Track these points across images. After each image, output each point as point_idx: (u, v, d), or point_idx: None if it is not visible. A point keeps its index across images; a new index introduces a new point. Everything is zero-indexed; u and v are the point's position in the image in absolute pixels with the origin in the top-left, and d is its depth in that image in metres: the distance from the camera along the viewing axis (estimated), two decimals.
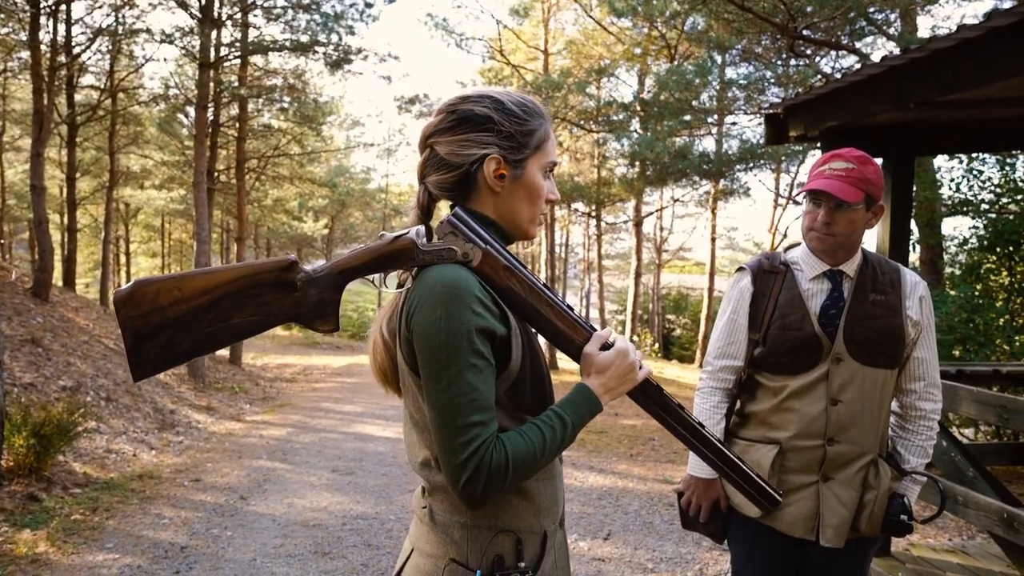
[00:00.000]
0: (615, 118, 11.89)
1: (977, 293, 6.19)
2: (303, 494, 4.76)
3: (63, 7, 10.15)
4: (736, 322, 1.73)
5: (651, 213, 19.90)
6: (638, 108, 11.45)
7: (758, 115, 10.96)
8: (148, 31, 10.23)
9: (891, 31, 8.50)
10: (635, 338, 15.27)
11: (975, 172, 6.82)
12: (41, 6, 9.08)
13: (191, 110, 12.33)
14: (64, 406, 5.02)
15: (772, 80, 10.25)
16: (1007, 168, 6.78)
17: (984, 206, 6.86)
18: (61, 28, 10.38)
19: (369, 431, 7.27)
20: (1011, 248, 6.12)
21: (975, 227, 6.76)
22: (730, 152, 11.26)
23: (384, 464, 5.74)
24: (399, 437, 6.68)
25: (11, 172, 17.69)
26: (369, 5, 10.89)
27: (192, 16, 9.80)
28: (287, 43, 10.89)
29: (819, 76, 8.49)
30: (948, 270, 7.71)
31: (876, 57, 2.62)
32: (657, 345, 18.54)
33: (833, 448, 1.61)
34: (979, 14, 2.64)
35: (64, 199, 13.25)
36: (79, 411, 4.92)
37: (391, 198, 27.57)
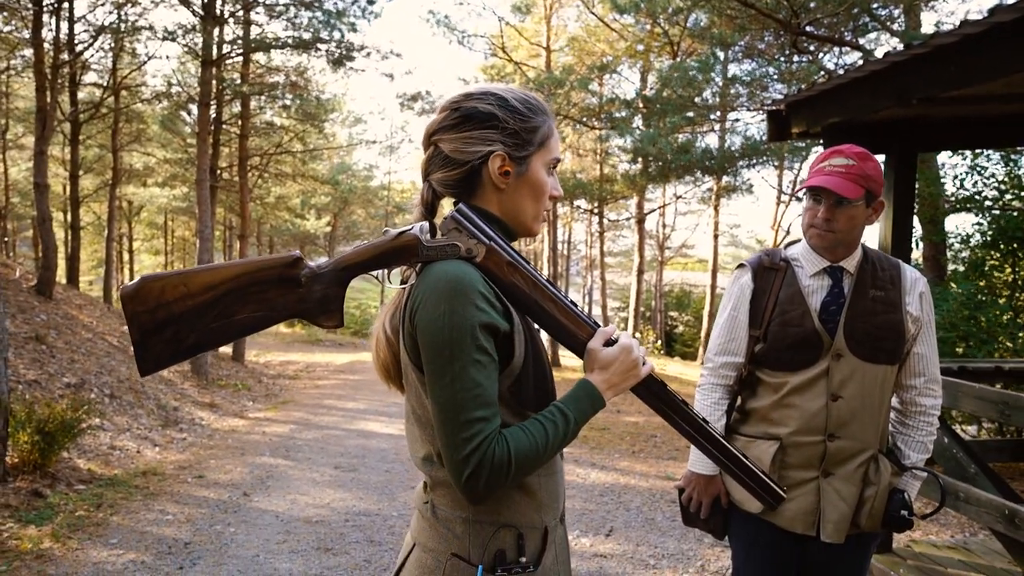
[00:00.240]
0: (618, 115, 11.88)
1: (981, 290, 6.17)
2: (306, 490, 4.78)
3: (65, 5, 10.18)
4: (737, 319, 1.73)
5: (653, 210, 19.88)
6: (641, 105, 11.43)
7: (761, 111, 10.93)
8: (151, 28, 10.23)
9: (895, 27, 8.46)
10: (638, 335, 15.28)
11: (979, 169, 6.80)
12: (44, 4, 9.09)
13: (194, 107, 12.35)
14: (68, 403, 5.04)
15: (775, 76, 10.23)
16: (1011, 164, 6.76)
17: (988, 203, 6.84)
18: (64, 26, 10.40)
19: (372, 428, 7.29)
20: (1015, 245, 6.10)
21: (979, 224, 6.74)
22: (733, 148, 11.23)
23: (387, 461, 5.76)
24: (401, 434, 6.70)
25: (15, 170, 17.73)
26: (371, 2, 10.90)
27: (194, 13, 9.81)
28: (289, 40, 10.90)
29: (822, 73, 8.47)
30: (952, 267, 7.68)
31: (879, 53, 2.61)
32: (660, 342, 18.54)
33: (833, 444, 1.62)
34: (983, 9, 2.64)
35: (67, 197, 13.26)
36: (83, 408, 4.94)
37: (394, 195, 27.57)
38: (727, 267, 24.17)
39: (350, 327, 21.21)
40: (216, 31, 10.28)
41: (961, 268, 6.91)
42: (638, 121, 11.68)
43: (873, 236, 3.32)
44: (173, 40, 9.97)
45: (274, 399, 9.16)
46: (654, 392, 1.05)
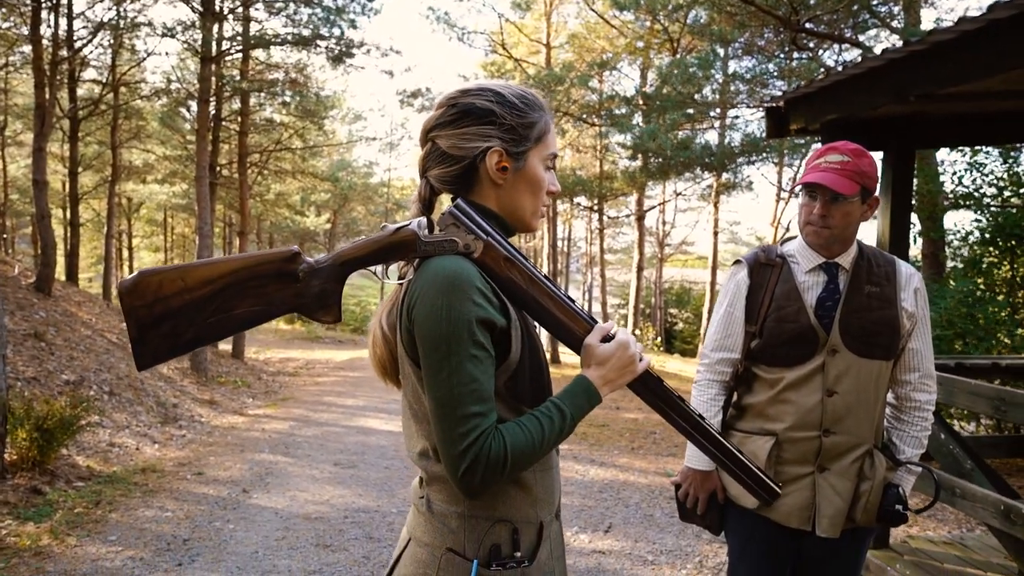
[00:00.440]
0: (618, 112, 11.87)
1: (980, 287, 6.16)
2: (305, 487, 4.79)
3: (64, 1, 10.15)
4: (733, 315, 1.74)
5: (653, 207, 19.88)
6: (641, 102, 11.42)
7: (761, 108, 10.92)
8: (150, 25, 10.23)
9: (894, 24, 8.45)
10: (637, 332, 15.28)
11: (978, 165, 6.79)
12: (42, 0, 9.07)
13: (193, 104, 12.33)
14: (67, 400, 5.05)
15: (775, 73, 10.23)
16: (1010, 161, 6.75)
17: (987, 200, 6.83)
18: (63, 22, 10.38)
19: (371, 425, 7.30)
20: (1013, 242, 6.10)
21: (977, 220, 6.73)
22: (732, 145, 11.22)
23: (386, 457, 5.77)
24: (401, 431, 6.70)
25: (14, 167, 17.71)
26: None
27: (194, 10, 9.79)
28: (289, 37, 10.88)
29: (822, 70, 8.46)
30: (951, 264, 7.68)
31: (878, 51, 2.60)
32: (659, 339, 18.55)
33: (829, 439, 1.62)
34: (983, 6, 2.63)
35: (67, 194, 13.25)
36: (82, 405, 4.95)
37: (393, 192, 27.55)
38: (727, 264, 24.18)
39: (350, 324, 21.22)
40: (215, 27, 10.27)
41: (960, 265, 6.91)
42: (638, 118, 11.67)
43: (871, 233, 3.32)
44: (172, 36, 9.96)
45: (274, 396, 9.17)
46: (651, 388, 1.06)
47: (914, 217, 7.44)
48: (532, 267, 1.01)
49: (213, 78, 10.30)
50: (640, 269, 15.32)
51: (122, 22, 10.58)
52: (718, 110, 12.73)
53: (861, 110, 2.87)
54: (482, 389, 0.91)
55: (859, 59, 2.82)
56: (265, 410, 8.03)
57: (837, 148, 1.60)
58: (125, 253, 23.62)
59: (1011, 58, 2.14)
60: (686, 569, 3.52)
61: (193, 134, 12.11)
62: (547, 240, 16.23)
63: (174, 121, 13.75)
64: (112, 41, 11.65)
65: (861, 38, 9.21)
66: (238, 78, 11.50)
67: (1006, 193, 6.75)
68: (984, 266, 6.31)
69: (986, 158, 6.88)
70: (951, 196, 7.15)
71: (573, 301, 1.03)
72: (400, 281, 1.04)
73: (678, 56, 11.89)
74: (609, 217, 21.05)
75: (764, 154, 11.10)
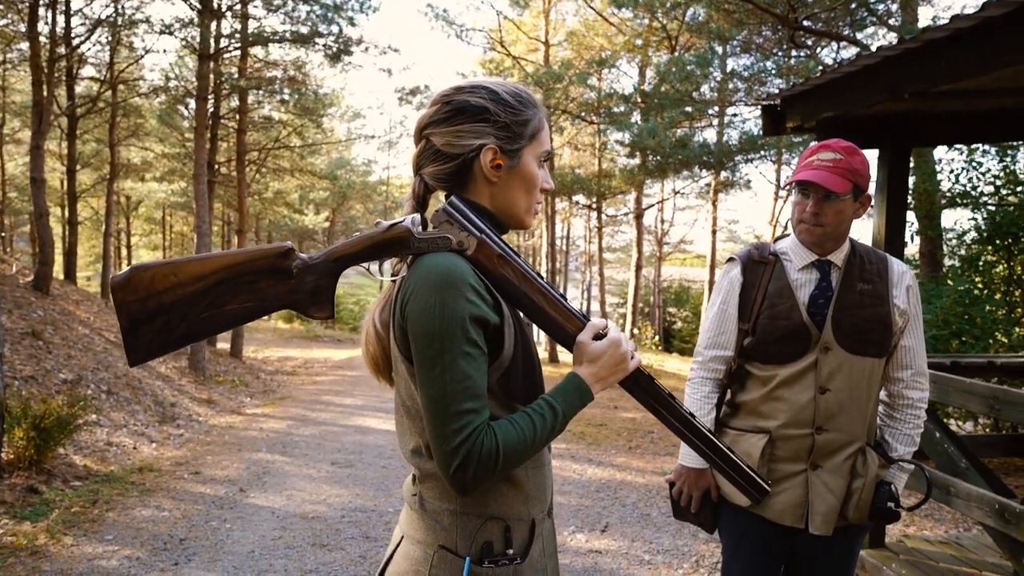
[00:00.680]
0: (616, 110, 11.87)
1: (978, 285, 6.16)
2: (302, 486, 4.79)
3: None
4: (726, 312, 1.74)
5: (652, 205, 19.87)
6: (639, 100, 11.41)
7: (759, 106, 10.92)
8: (148, 22, 10.20)
9: (892, 22, 8.45)
10: (636, 331, 15.29)
11: (975, 164, 6.79)
12: None
13: (191, 102, 12.31)
14: (64, 399, 5.04)
15: (773, 71, 10.22)
16: (1007, 159, 6.75)
17: (984, 198, 6.83)
18: (60, 19, 10.36)
19: (369, 424, 7.30)
20: (1010, 240, 6.10)
21: (974, 219, 6.74)
22: (730, 143, 11.22)
23: (383, 457, 5.77)
24: None
25: (11, 165, 17.69)
26: None
27: (192, 7, 9.78)
28: (287, 34, 10.86)
29: (820, 67, 8.44)
30: (948, 262, 7.68)
31: (875, 48, 2.61)
32: (658, 338, 18.55)
33: (821, 436, 1.62)
34: (979, 4, 2.62)
35: (65, 192, 13.25)
36: (79, 404, 4.95)
37: (392, 190, 27.55)
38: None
39: (348, 323, 21.21)
40: (213, 25, 10.25)
41: (958, 264, 6.91)
42: (636, 116, 11.67)
43: (867, 231, 3.32)
44: (170, 34, 9.94)
45: (271, 395, 9.17)
46: (642, 386, 1.06)
47: (912, 216, 7.46)
48: (525, 264, 1.01)
49: (211, 76, 10.28)
50: (639, 268, 15.32)
51: (120, 19, 10.56)
52: (716, 108, 12.72)
53: (856, 108, 2.87)
54: (475, 386, 0.91)
55: (855, 57, 2.82)
56: (263, 409, 8.03)
57: (829, 146, 1.60)
58: (124, 251, 23.61)
59: (1005, 55, 2.14)
60: (683, 569, 3.52)
61: (191, 132, 12.09)
62: (545, 239, 16.22)
63: (172, 119, 13.73)
64: (110, 38, 11.63)
65: (859, 36, 9.22)
66: (236, 76, 11.48)
67: (1003, 192, 6.75)
68: (982, 265, 6.32)
69: (983, 156, 6.88)
70: (948, 194, 7.15)
71: (566, 299, 1.04)
72: (393, 278, 1.04)
73: (676, 54, 11.89)
74: (608, 216, 21.05)
75: (762, 152, 11.10)
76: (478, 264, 0.97)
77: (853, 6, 7.92)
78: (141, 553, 3.45)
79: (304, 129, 14.63)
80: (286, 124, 14.17)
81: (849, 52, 11.09)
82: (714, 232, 18.19)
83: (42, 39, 9.52)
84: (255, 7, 11.09)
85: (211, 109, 11.18)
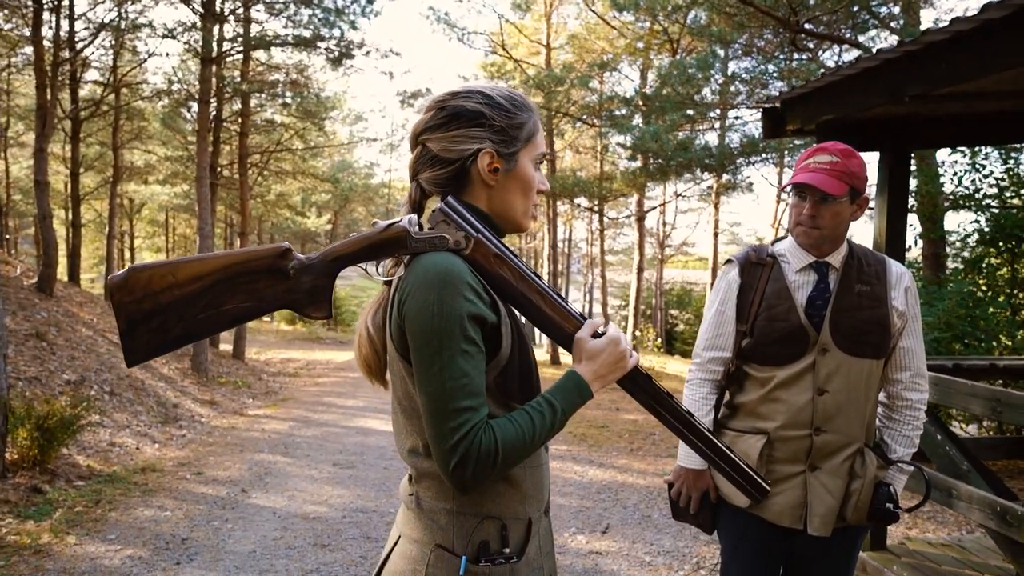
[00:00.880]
0: (618, 112, 11.88)
1: (982, 288, 6.15)
2: (304, 487, 4.80)
3: (66, 2, 10.18)
4: (724, 314, 1.75)
5: (653, 208, 19.88)
6: (640, 103, 11.43)
7: (759, 109, 10.92)
8: (151, 26, 10.25)
9: (894, 25, 8.45)
10: (637, 333, 15.26)
11: (978, 166, 6.78)
12: (43, 1, 9.10)
13: (194, 105, 12.35)
14: (68, 400, 5.07)
15: (774, 74, 10.22)
16: (1011, 162, 6.75)
17: (986, 200, 6.82)
18: (64, 24, 10.41)
19: (371, 425, 7.31)
20: (1013, 243, 6.10)
21: (976, 221, 6.73)
22: (732, 146, 11.23)
23: (385, 458, 5.78)
24: None
25: (16, 168, 17.77)
26: (371, 0, 10.89)
27: (194, 11, 9.82)
28: (289, 38, 10.90)
29: (822, 71, 8.45)
30: (952, 265, 7.67)
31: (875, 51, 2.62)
32: (660, 340, 18.54)
33: (820, 438, 1.63)
34: (980, 6, 2.62)
35: (68, 194, 13.28)
36: (82, 404, 4.97)
37: (394, 193, 27.59)
38: None
39: (351, 325, 21.23)
40: (216, 29, 10.29)
41: (961, 266, 6.90)
42: (638, 119, 11.68)
43: (868, 234, 3.33)
44: (173, 38, 9.98)
45: (274, 396, 9.19)
46: (641, 385, 1.06)
47: (915, 218, 7.45)
48: (522, 264, 1.01)
49: (214, 79, 10.33)
50: (640, 270, 15.29)
51: (123, 23, 10.61)
52: (718, 111, 12.73)
53: (856, 111, 2.87)
54: (473, 384, 0.91)
55: (855, 60, 2.82)
56: (265, 410, 8.04)
57: (826, 148, 1.61)
58: (127, 254, 23.66)
59: (1005, 58, 2.15)
60: (683, 570, 3.52)
61: (194, 135, 12.13)
62: (547, 241, 16.23)
63: (175, 122, 13.78)
64: (113, 42, 11.69)
65: (861, 39, 9.21)
66: (239, 79, 11.52)
67: (1007, 194, 6.74)
68: (985, 268, 6.31)
69: (986, 159, 6.88)
70: (951, 197, 7.14)
71: (563, 298, 1.04)
72: (389, 279, 1.05)
73: (678, 57, 11.90)
74: (609, 218, 21.05)
75: (763, 155, 11.10)
76: (475, 264, 0.98)
77: (855, 9, 7.92)
78: (143, 552, 3.46)
79: (306, 132, 14.67)
80: (288, 127, 14.22)
81: (851, 55, 11.10)
82: (716, 234, 18.19)
83: (46, 43, 9.57)
84: (257, 11, 11.12)
85: (213, 112, 11.22)
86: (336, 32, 10.78)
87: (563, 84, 12.22)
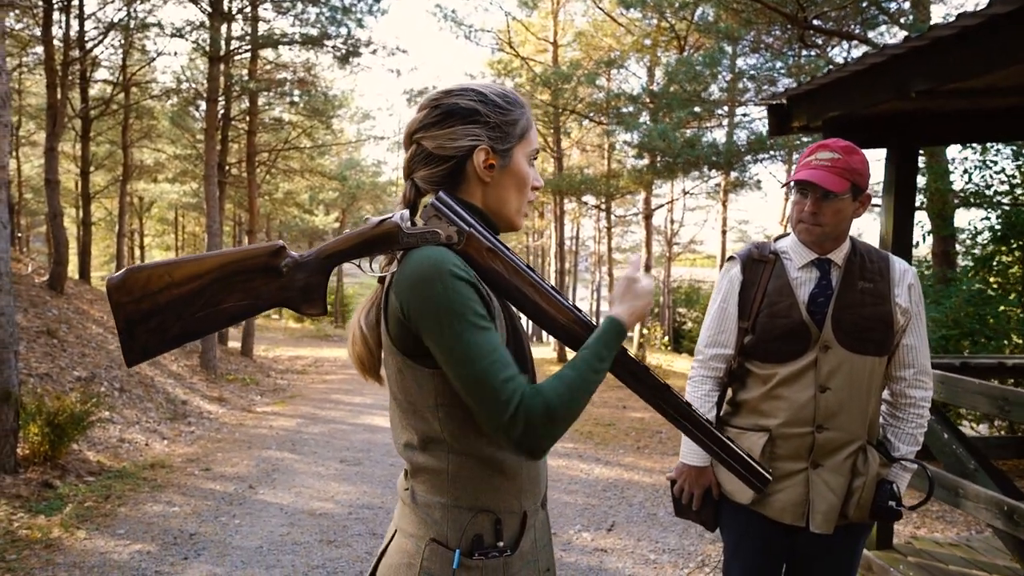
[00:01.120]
0: (625, 110, 11.84)
1: (993, 286, 6.09)
2: (311, 484, 4.83)
3: (75, 2, 10.26)
4: (726, 311, 1.75)
5: (661, 206, 19.80)
6: (647, 100, 11.39)
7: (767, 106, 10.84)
8: (159, 25, 10.32)
9: (904, 21, 8.37)
10: (645, 331, 15.22)
11: (988, 163, 6.72)
12: (54, 1, 9.17)
13: (203, 104, 12.42)
14: (78, 396, 5.12)
15: (783, 71, 10.15)
16: (1022, 159, 6.68)
17: (997, 197, 6.76)
18: (74, 23, 10.49)
19: (377, 422, 7.34)
20: None
21: (987, 218, 6.67)
22: (739, 143, 11.17)
23: (391, 455, 5.80)
24: None
25: (28, 166, 17.94)
26: None
27: (203, 10, 9.87)
28: (297, 36, 10.94)
29: (830, 67, 8.38)
30: (963, 262, 7.60)
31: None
32: (667, 338, 18.48)
33: (822, 435, 1.62)
34: (987, 1, 2.58)
35: (79, 193, 13.40)
36: (92, 401, 5.02)
37: (401, 191, 27.56)
38: None
39: None
40: (224, 27, 10.34)
41: (971, 264, 6.84)
42: (645, 116, 11.64)
43: (875, 231, 3.30)
44: (182, 37, 10.04)
45: (282, 393, 9.24)
46: (640, 378, 1.06)
47: (925, 216, 7.39)
48: (515, 257, 1.02)
49: (222, 78, 10.37)
50: (648, 268, 15.25)
51: (132, 22, 10.68)
52: (726, 108, 12.66)
53: (863, 107, 2.85)
54: (503, 355, 0.92)
55: (862, 56, 2.80)
56: (273, 407, 8.09)
57: (828, 145, 1.60)
58: (137, 252, 23.85)
59: (1011, 53, 2.13)
60: (687, 568, 3.52)
61: (202, 133, 12.20)
62: (554, 239, 16.22)
63: (184, 120, 13.86)
64: (123, 41, 11.75)
65: (870, 35, 9.13)
66: (247, 78, 11.57)
67: (1018, 191, 6.67)
68: (996, 265, 6.24)
69: (997, 155, 6.81)
70: (961, 194, 7.08)
71: (557, 290, 1.05)
72: (383, 274, 1.05)
73: (685, 54, 11.85)
74: (617, 216, 21.00)
75: (771, 152, 11.04)
76: (467, 258, 0.98)
77: (864, 4, 7.86)
78: (152, 547, 3.50)
79: (314, 130, 14.72)
80: (296, 125, 14.27)
81: (860, 51, 11.00)
82: (724, 232, 18.09)
83: (56, 43, 9.65)
84: (265, 10, 11.17)
85: (222, 111, 11.28)
86: (343, 30, 10.82)
87: (570, 81, 12.19)
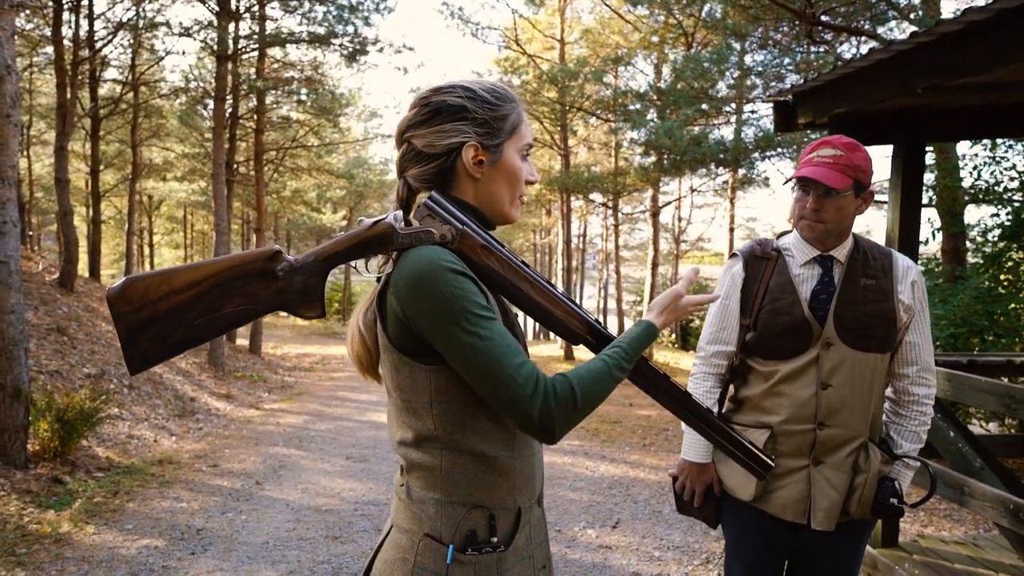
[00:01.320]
0: (632, 107, 11.80)
1: (1004, 283, 6.03)
2: (317, 480, 4.86)
3: (85, 2, 10.33)
4: (728, 307, 1.74)
5: (668, 203, 19.75)
6: (655, 97, 11.35)
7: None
8: (167, 24, 10.37)
9: (913, 16, 8.30)
10: None
11: (998, 159, 6.66)
12: (63, 1, 9.24)
13: (211, 103, 12.49)
14: (87, 393, 5.17)
15: (791, 67, 10.09)
16: None
17: (1008, 194, 6.69)
18: (84, 23, 10.58)
19: (383, 419, 7.36)
20: None
21: (996, 215, 6.60)
22: (746, 140, 11.11)
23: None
24: None
25: (38, 165, 18.10)
26: None
27: (210, 9, 9.92)
28: (304, 35, 10.98)
29: (839, 63, 8.31)
30: (973, 260, 7.54)
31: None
32: (675, 336, 18.44)
33: (823, 432, 1.62)
34: None
35: (89, 191, 13.51)
36: (102, 398, 5.07)
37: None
38: None
39: None
40: (232, 26, 10.39)
41: (981, 261, 6.78)
42: (652, 114, 11.60)
43: (883, 228, 3.29)
44: (190, 36, 10.10)
45: (289, 391, 9.30)
46: (639, 369, 1.07)
47: (934, 212, 7.33)
48: (510, 254, 1.02)
49: (229, 76, 10.43)
50: (655, 265, 15.19)
51: (141, 22, 10.75)
52: (733, 105, 12.60)
53: (869, 103, 2.83)
54: (512, 342, 0.94)
55: (868, 51, 2.79)
56: (280, 404, 8.14)
57: (830, 142, 1.60)
58: (146, 250, 24.03)
59: (1019, 49, 2.11)
60: (692, 565, 3.52)
61: (211, 132, 12.27)
62: (561, 237, 16.20)
63: (192, 119, 13.94)
64: (131, 41, 11.84)
65: (880, 31, 9.05)
66: (254, 76, 11.62)
67: None
68: (1007, 262, 6.18)
69: (1007, 151, 6.75)
70: (971, 191, 7.01)
71: (553, 285, 1.06)
72: (378, 275, 1.06)
73: (693, 51, 11.79)
74: (624, 214, 20.95)
75: (779, 149, 10.98)
76: (462, 256, 0.99)
77: (873, 0, 7.79)
78: (159, 542, 3.53)
79: (321, 129, 14.77)
80: (303, 124, 14.32)
81: (869, 47, 10.89)
82: (732, 229, 18.03)
83: (66, 43, 9.73)
84: (272, 8, 11.21)
85: (229, 109, 11.34)
86: (350, 28, 10.85)
87: (577, 79, 12.16)
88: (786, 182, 1.64)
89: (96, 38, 10.89)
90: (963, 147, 7.54)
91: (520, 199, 1.10)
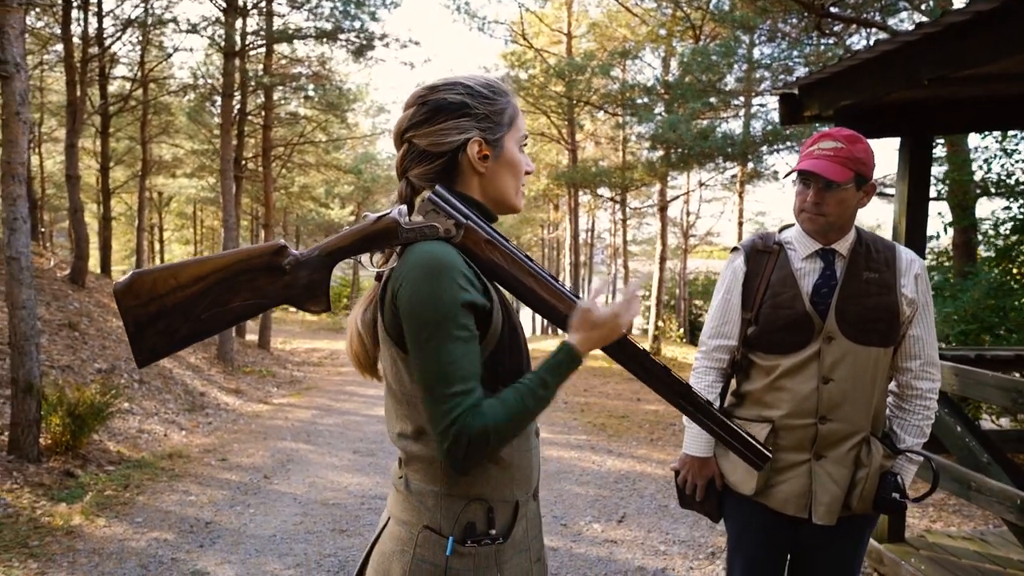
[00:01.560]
0: (639, 101, 11.75)
1: (1016, 277, 5.97)
2: (324, 474, 4.90)
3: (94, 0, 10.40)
4: (730, 302, 1.74)
5: (676, 197, 19.65)
6: (662, 91, 11.28)
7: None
8: (176, 21, 10.44)
9: (924, 7, 8.19)
10: (660, 323, 15.14)
11: (1009, 151, 6.58)
12: None
13: (219, 99, 12.54)
14: (98, 387, 5.23)
15: (799, 60, 10.00)
16: None
17: (1020, 187, 6.61)
18: (93, 21, 10.65)
19: None
20: None
21: (1008, 207, 6.53)
22: (754, 134, 11.03)
23: None
24: None
25: (49, 162, 18.27)
26: None
27: (218, 6, 9.96)
28: (311, 30, 11.00)
29: (842, 54, 8.22)
30: (984, 254, 7.46)
31: None
32: (682, 331, 18.38)
33: (825, 426, 1.62)
34: None
35: (99, 188, 13.63)
36: (112, 392, 5.13)
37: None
38: None
39: None
40: (239, 23, 10.43)
41: (993, 255, 6.70)
42: (660, 107, 11.54)
43: (888, 221, 3.25)
44: (197, 32, 10.15)
45: (297, 385, 9.36)
46: (639, 361, 1.07)
47: (945, 207, 7.25)
48: (514, 248, 1.03)
49: (237, 73, 10.46)
50: (663, 260, 15.13)
51: (150, 19, 10.81)
52: (741, 98, 12.51)
53: (875, 95, 2.81)
54: (463, 369, 0.93)
55: (874, 43, 2.76)
56: (289, 399, 8.20)
57: (831, 135, 1.59)
58: (156, 246, 24.21)
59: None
60: (697, 560, 3.52)
61: (219, 128, 12.33)
62: (569, 232, 16.18)
63: (201, 116, 14.02)
64: (140, 38, 11.91)
65: (890, 22, 8.95)
66: (262, 73, 11.66)
67: None
68: (1019, 256, 6.11)
69: (1019, 144, 6.66)
70: (983, 184, 6.93)
71: (557, 280, 1.06)
72: (382, 269, 1.07)
73: (700, 44, 11.71)
74: (632, 208, 20.88)
75: (788, 143, 10.89)
76: (466, 250, 0.99)
77: None
78: (169, 535, 3.58)
79: (329, 124, 14.81)
80: (311, 120, 14.36)
81: (876, 39, 10.76)
82: (741, 224, 17.92)
83: (75, 40, 9.80)
84: (279, 4, 11.27)
85: (237, 106, 11.39)
86: (357, 24, 10.86)
87: (584, 73, 12.13)
88: (787, 175, 1.63)
89: (105, 35, 10.96)
90: (974, 140, 7.44)
91: (522, 188, 1.12)
